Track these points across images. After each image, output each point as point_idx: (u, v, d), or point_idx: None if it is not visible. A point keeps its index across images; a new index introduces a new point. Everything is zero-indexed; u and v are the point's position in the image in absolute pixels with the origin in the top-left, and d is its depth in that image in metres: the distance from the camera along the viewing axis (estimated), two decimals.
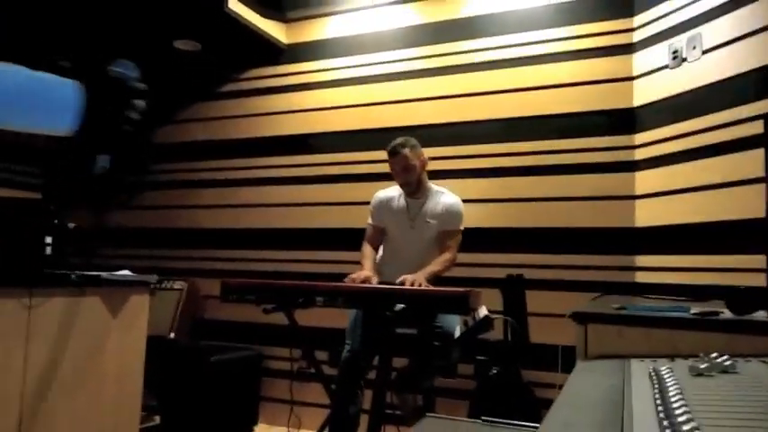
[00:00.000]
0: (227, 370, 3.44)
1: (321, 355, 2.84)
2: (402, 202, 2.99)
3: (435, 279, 2.73)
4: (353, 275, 2.72)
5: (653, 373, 0.92)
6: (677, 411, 0.68)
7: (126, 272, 2.51)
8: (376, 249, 3.01)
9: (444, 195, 2.98)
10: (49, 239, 2.40)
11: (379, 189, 3.09)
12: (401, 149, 2.87)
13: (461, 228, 2.95)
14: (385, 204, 3.02)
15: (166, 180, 4.39)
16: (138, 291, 2.54)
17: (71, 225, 2.65)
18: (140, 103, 1.35)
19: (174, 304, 3.87)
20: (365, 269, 2.81)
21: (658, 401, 0.74)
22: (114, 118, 1.44)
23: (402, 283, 2.54)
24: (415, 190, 2.94)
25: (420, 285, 2.53)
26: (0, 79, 0.96)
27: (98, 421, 2.35)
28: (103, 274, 2.40)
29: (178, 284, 3.95)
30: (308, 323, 2.81)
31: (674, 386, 0.81)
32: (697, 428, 0.60)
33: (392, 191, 3.05)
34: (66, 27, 3.38)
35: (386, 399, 2.58)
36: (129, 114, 1.43)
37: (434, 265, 2.78)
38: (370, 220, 3.05)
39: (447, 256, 2.85)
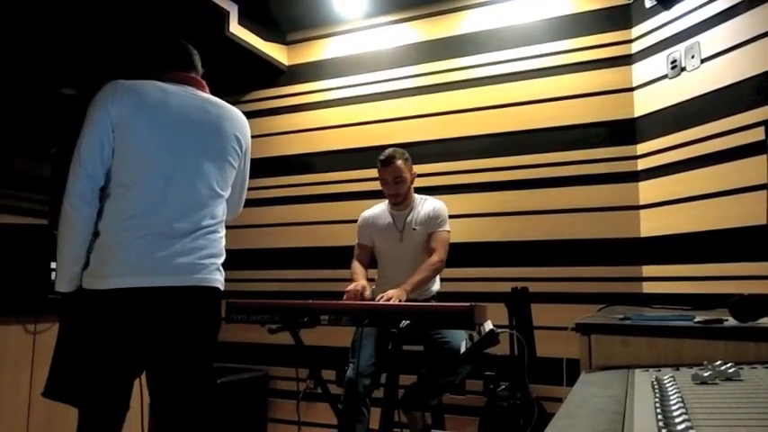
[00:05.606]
0: (234, 392, 3.42)
1: (328, 375, 2.82)
2: (388, 216, 3.00)
3: (423, 284, 2.76)
4: (349, 287, 2.73)
5: (655, 383, 0.91)
6: (677, 419, 0.67)
7: None
8: (365, 266, 3.02)
9: (427, 202, 3.00)
10: (53, 265, 2.41)
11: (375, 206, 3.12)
12: (394, 160, 2.88)
13: (447, 229, 2.94)
14: (371, 223, 3.03)
15: None
16: None
17: None
18: None
19: None
20: (357, 281, 2.82)
21: (659, 410, 0.73)
22: None
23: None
24: (402, 202, 2.94)
25: (398, 301, 2.52)
26: None
27: None
28: None
29: None
30: (314, 342, 2.80)
31: (676, 394, 0.80)
32: None
33: (377, 208, 3.07)
34: (68, 56, 3.43)
35: (394, 417, 2.56)
36: None
37: (418, 274, 2.76)
38: (357, 240, 3.07)
39: (433, 258, 2.83)
